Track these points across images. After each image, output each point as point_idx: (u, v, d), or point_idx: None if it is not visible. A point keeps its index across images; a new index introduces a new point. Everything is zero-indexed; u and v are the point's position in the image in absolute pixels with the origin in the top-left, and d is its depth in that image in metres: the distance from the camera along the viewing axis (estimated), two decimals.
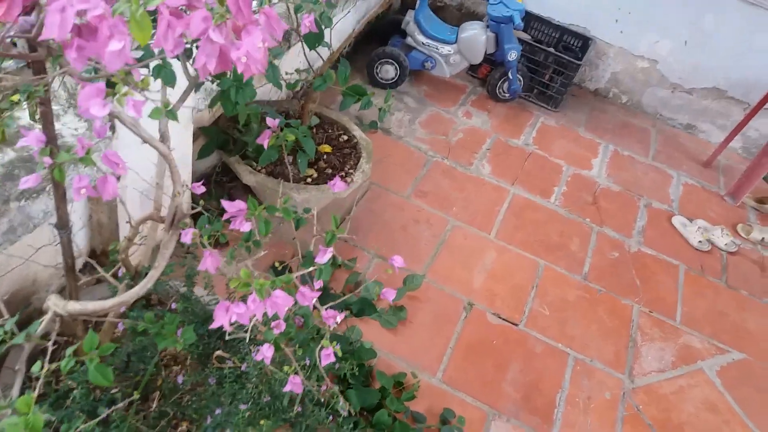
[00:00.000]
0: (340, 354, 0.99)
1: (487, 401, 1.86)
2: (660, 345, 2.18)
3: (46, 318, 1.04)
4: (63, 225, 1.03)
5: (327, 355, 0.96)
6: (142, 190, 1.54)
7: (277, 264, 1.99)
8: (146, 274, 1.22)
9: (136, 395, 1.09)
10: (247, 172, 2.03)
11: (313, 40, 1.61)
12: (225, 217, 1.02)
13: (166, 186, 1.58)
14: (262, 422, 1.09)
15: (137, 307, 1.27)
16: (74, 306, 1.00)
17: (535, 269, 2.32)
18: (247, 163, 2.07)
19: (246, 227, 0.99)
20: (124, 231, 1.73)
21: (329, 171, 2.17)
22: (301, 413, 1.16)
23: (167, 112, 0.80)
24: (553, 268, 2.35)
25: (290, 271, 1.94)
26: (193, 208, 1.13)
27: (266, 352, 0.96)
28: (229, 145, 2.08)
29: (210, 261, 1.00)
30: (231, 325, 0.89)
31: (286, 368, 1.03)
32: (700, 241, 2.64)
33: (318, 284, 1.08)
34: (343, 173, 2.15)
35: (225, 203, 0.99)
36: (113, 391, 1.22)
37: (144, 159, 1.49)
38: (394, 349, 1.91)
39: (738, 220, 2.85)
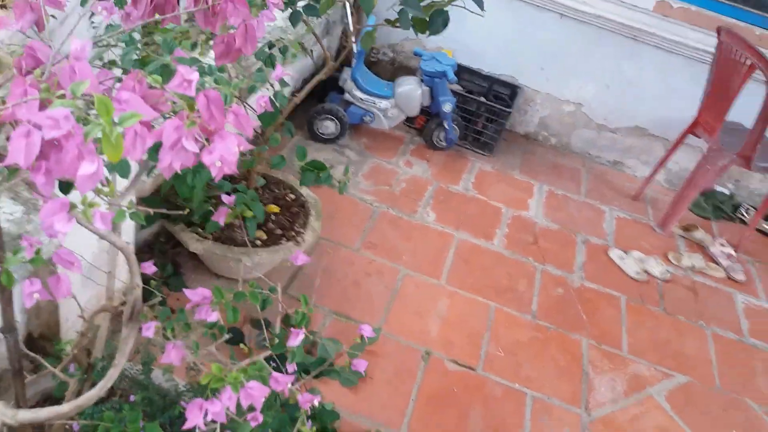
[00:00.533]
0: None
1: None
2: (611, 376, 2.26)
3: None
4: (9, 329, 1.00)
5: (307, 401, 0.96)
6: (83, 273, 1.50)
7: (243, 346, 1.97)
8: (101, 367, 1.20)
9: None
10: (194, 240, 2.01)
11: (269, 119, 1.63)
12: (188, 306, 1.01)
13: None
14: None
15: None
16: (25, 415, 0.96)
17: (487, 312, 2.38)
18: (193, 230, 2.05)
19: (212, 317, 0.99)
20: (64, 311, 1.67)
21: (279, 231, 2.18)
22: None
23: (132, 214, 0.81)
24: (503, 310, 2.41)
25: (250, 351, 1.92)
26: (144, 290, 1.12)
27: None
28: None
29: (174, 354, 0.99)
30: (206, 425, 0.89)
31: None
32: (637, 272, 2.78)
33: (291, 368, 1.09)
34: (293, 233, 2.16)
35: (188, 292, 0.99)
36: None
37: (83, 238, 1.46)
38: (356, 408, 1.90)
39: (668, 249, 3.01)
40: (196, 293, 1.01)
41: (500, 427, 1.98)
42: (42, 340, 1.81)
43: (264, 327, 2.02)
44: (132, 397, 1.17)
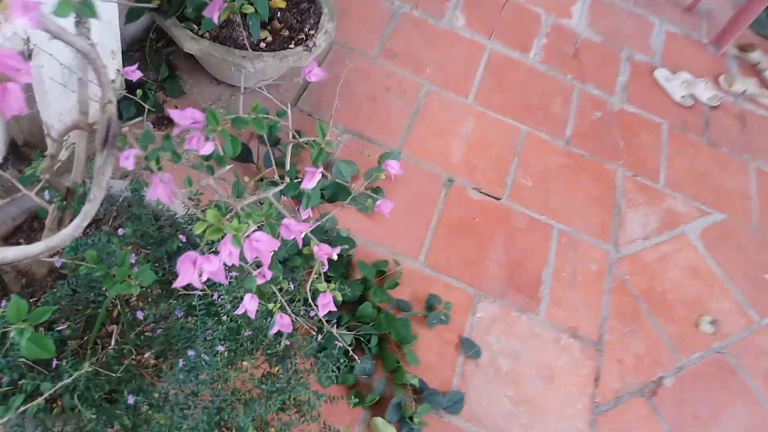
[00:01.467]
0: (340, 299, 0.81)
1: (473, 283, 1.77)
2: (644, 210, 2.10)
3: None
4: None
5: (325, 304, 0.79)
6: (63, 81, 1.24)
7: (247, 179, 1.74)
8: (83, 193, 0.99)
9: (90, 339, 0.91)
10: (188, 38, 1.70)
11: None
12: (176, 131, 0.77)
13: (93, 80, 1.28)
14: (243, 363, 0.94)
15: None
16: None
17: (517, 136, 2.15)
18: (187, 26, 1.73)
19: (206, 149, 0.75)
20: (46, 119, 1.43)
21: (285, 33, 1.86)
22: (290, 346, 1.01)
23: (81, 5, 0.53)
24: (534, 134, 2.18)
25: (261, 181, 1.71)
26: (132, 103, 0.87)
27: (249, 305, 0.78)
28: (163, 3, 1.73)
29: (161, 189, 0.78)
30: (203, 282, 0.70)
31: (270, 306, 0.85)
32: (683, 96, 2.49)
33: (306, 213, 0.88)
34: (303, 35, 1.85)
35: (174, 114, 0.75)
36: (60, 327, 1.03)
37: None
38: (372, 236, 1.76)
39: (720, 72, 2.69)
40: (185, 115, 0.76)
41: (523, 260, 1.86)
42: (28, 148, 1.60)
43: (270, 146, 1.81)
44: (121, 231, 0.98)
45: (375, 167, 1.85)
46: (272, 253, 0.78)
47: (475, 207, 1.92)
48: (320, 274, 0.83)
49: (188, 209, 1.11)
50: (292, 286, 1.04)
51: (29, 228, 1.18)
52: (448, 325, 1.66)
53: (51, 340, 0.73)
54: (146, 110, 1.09)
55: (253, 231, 0.76)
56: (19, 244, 1.21)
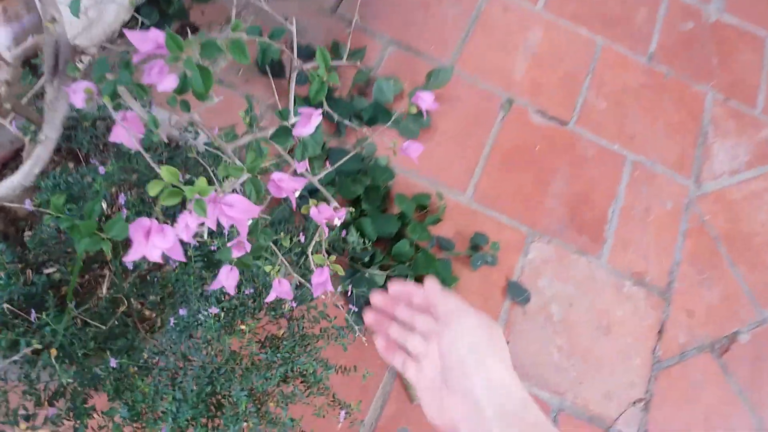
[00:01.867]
0: (342, 273, 0.65)
1: (526, 220, 1.58)
2: (734, 141, 1.81)
3: None
4: None
5: (320, 283, 0.63)
6: None
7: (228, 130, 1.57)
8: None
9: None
10: None
11: None
12: (136, 59, 0.61)
13: None
14: (243, 326, 0.81)
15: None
16: None
17: (591, 50, 1.86)
18: None
19: (167, 83, 0.59)
20: None
21: None
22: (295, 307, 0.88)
23: None
24: (612, 48, 1.88)
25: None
26: None
27: (226, 279, 0.63)
28: None
29: (122, 132, 0.62)
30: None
31: (268, 268, 0.71)
32: None
33: (301, 166, 0.71)
34: None
35: (132, 36, 0.58)
36: (48, 271, 0.93)
37: None
38: (415, 165, 1.58)
39: None
40: (146, 38, 0.59)
41: (588, 194, 1.64)
42: None
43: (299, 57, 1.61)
44: (102, 169, 0.85)
45: (422, 86, 1.64)
46: (254, 219, 0.63)
47: (537, 133, 1.70)
48: (320, 243, 0.67)
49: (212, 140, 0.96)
50: (303, 238, 0.90)
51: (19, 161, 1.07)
52: (495, 266, 1.49)
53: None
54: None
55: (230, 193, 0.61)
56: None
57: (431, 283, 0.61)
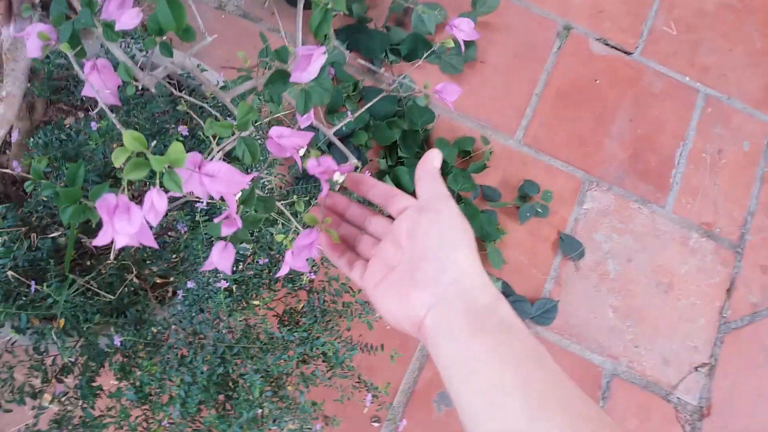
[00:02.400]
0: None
1: (583, 166, 1.42)
2: None
3: None
4: None
5: (303, 246, 0.52)
6: None
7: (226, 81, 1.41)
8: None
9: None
10: None
11: None
12: None
13: None
14: (255, 301, 0.72)
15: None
16: None
17: None
18: None
19: (125, 20, 0.47)
20: None
21: None
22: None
23: None
24: None
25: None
26: None
27: (219, 259, 0.53)
28: None
29: (96, 79, 0.52)
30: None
31: (280, 237, 0.60)
32: None
33: (305, 120, 0.59)
34: None
35: None
36: (54, 234, 0.86)
37: None
38: (458, 105, 1.43)
39: None
40: None
41: (652, 136, 1.46)
42: None
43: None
44: (95, 124, 0.75)
45: (467, 13, 1.47)
46: (246, 187, 0.52)
47: (598, 64, 1.51)
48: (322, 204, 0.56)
49: (221, 82, 0.85)
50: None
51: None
52: (546, 218, 1.36)
53: None
54: None
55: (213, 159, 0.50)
56: None
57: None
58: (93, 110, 0.83)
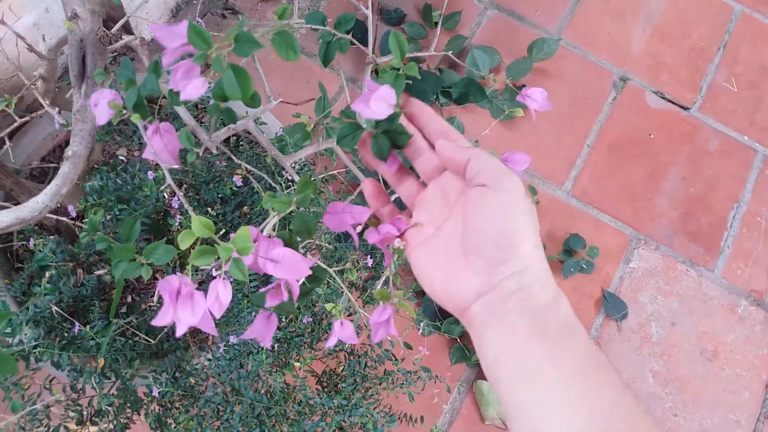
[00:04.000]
0: (414, 316, 0.53)
1: (632, 222, 1.38)
2: None
3: None
4: None
5: (379, 324, 0.50)
6: None
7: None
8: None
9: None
10: None
11: None
12: (166, 60, 0.49)
13: None
14: (297, 363, 0.71)
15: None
16: None
17: (726, 19, 1.58)
18: None
19: (192, 90, 0.46)
20: None
21: None
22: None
23: None
24: (753, 17, 1.59)
25: None
26: None
27: (260, 329, 0.52)
28: None
29: (158, 143, 0.51)
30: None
31: (329, 306, 0.59)
32: None
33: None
34: None
35: (158, 30, 0.46)
36: (99, 272, 0.86)
37: None
38: (508, 149, 1.40)
39: None
40: (172, 33, 0.46)
41: (706, 195, 1.42)
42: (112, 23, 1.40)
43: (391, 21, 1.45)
44: (152, 174, 0.74)
45: (522, 59, 1.45)
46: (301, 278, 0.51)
47: (653, 118, 1.47)
48: (389, 275, 0.54)
49: (279, 131, 0.85)
50: (370, 261, 0.77)
51: None
52: (590, 274, 1.32)
53: (12, 358, 0.53)
54: None
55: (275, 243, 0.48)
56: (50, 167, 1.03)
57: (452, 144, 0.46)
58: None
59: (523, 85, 1.44)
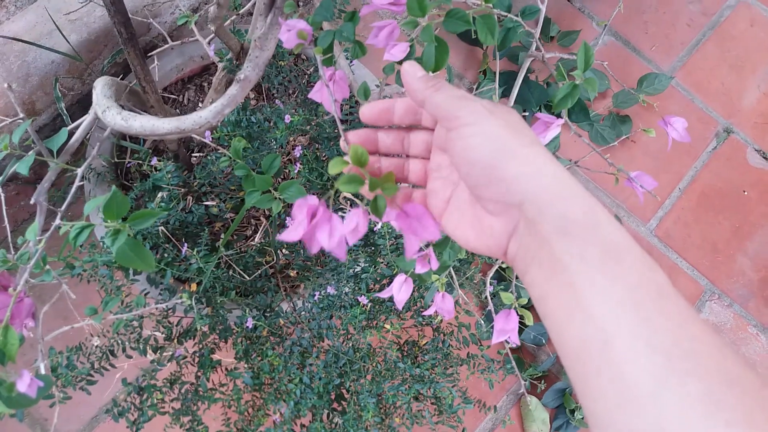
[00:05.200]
0: (530, 323, 0.54)
1: (709, 273, 1.36)
2: None
3: (83, 124, 0.67)
4: None
5: (503, 331, 0.51)
6: None
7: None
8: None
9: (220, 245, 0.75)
10: None
11: None
12: (365, 10, 0.51)
13: None
14: (387, 325, 0.73)
15: None
16: (114, 118, 0.61)
17: None
18: None
19: (396, 51, 0.48)
20: None
21: None
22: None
23: None
24: None
25: None
26: None
27: (399, 291, 0.53)
28: None
29: (325, 92, 0.53)
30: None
31: (434, 277, 0.61)
32: None
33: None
34: None
35: None
36: (208, 203, 0.89)
37: None
38: (599, 177, 1.40)
39: None
40: None
41: None
42: None
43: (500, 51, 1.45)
44: (288, 117, 0.77)
45: (631, 89, 1.44)
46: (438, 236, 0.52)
47: (750, 176, 1.44)
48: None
49: None
50: None
51: (203, 79, 1.03)
52: None
53: (150, 253, 0.56)
54: None
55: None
56: (185, 93, 1.07)
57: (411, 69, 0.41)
58: (279, 98, 0.86)
59: (627, 116, 1.44)
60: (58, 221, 0.60)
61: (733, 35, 1.54)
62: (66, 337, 0.76)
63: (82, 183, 0.64)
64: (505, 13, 0.64)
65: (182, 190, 0.90)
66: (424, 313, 0.67)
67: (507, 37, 0.67)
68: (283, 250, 0.88)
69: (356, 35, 0.55)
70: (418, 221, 0.44)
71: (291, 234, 0.45)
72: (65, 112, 0.86)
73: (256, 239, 0.88)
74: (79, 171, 0.63)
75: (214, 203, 0.88)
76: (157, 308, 0.80)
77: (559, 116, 0.63)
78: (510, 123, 0.37)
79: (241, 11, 0.71)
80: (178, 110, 1.07)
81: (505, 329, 0.52)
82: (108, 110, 0.63)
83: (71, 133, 0.69)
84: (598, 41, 1.50)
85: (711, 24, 1.55)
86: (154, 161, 0.85)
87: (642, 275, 0.32)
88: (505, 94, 1.41)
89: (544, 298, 0.35)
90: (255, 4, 0.71)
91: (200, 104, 1.06)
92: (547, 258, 0.34)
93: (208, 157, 0.85)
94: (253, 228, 0.93)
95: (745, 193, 1.43)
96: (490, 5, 0.54)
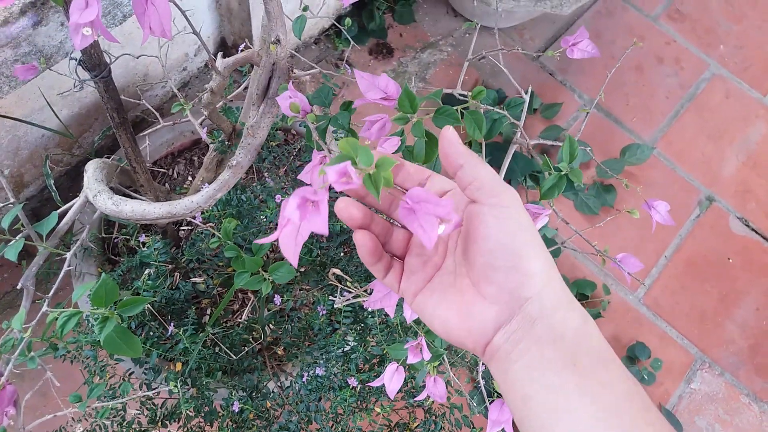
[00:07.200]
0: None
1: (699, 342, 1.36)
2: None
3: (73, 207, 0.67)
4: (94, 65, 0.59)
5: (498, 422, 0.50)
6: None
7: None
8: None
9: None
10: None
11: None
12: (357, 103, 0.53)
13: None
14: (378, 408, 0.71)
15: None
16: (105, 203, 0.61)
17: None
18: None
19: (388, 144, 0.49)
20: (256, 24, 1.28)
21: None
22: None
23: None
24: None
25: None
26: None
27: (390, 381, 0.53)
28: None
29: (314, 176, 0.54)
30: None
31: (429, 366, 0.60)
32: None
33: None
34: None
35: (361, 79, 0.49)
36: (195, 279, 0.89)
37: None
38: (586, 246, 1.41)
39: None
40: (373, 85, 0.50)
41: None
42: (235, 51, 1.49)
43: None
44: (279, 197, 0.78)
45: (614, 159, 1.47)
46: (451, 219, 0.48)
47: (734, 243, 1.46)
48: None
49: None
50: None
51: (193, 153, 1.04)
52: (650, 386, 1.29)
53: (138, 339, 0.55)
54: (350, 45, 0.85)
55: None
56: (174, 167, 1.08)
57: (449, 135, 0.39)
58: (269, 177, 0.87)
59: (611, 186, 1.46)
60: (45, 308, 0.59)
61: (710, 107, 1.60)
62: (47, 422, 0.73)
63: (70, 268, 0.63)
64: (491, 107, 0.66)
65: (170, 266, 0.89)
66: (416, 399, 0.66)
67: (493, 128, 0.69)
68: (271, 326, 0.87)
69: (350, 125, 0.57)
70: (426, 202, 0.38)
71: (275, 235, 0.38)
72: (54, 188, 0.86)
73: (243, 316, 0.87)
74: (68, 256, 0.63)
75: (202, 279, 0.88)
76: (143, 396, 0.78)
77: (548, 207, 0.64)
78: (532, 223, 0.37)
79: (230, 96, 0.73)
80: (167, 184, 1.08)
81: (500, 420, 0.51)
82: (99, 195, 0.63)
83: (61, 215, 0.68)
84: (580, 113, 1.54)
85: (688, 96, 1.60)
86: (143, 237, 0.85)
87: (628, 386, 0.35)
88: (491, 163, 1.43)
89: (527, 398, 0.35)
90: (247, 89, 0.73)
91: (190, 178, 1.07)
92: (538, 359, 0.35)
93: (197, 235, 0.85)
94: (240, 302, 0.92)
95: (730, 260, 1.44)
96: (478, 101, 0.55)
